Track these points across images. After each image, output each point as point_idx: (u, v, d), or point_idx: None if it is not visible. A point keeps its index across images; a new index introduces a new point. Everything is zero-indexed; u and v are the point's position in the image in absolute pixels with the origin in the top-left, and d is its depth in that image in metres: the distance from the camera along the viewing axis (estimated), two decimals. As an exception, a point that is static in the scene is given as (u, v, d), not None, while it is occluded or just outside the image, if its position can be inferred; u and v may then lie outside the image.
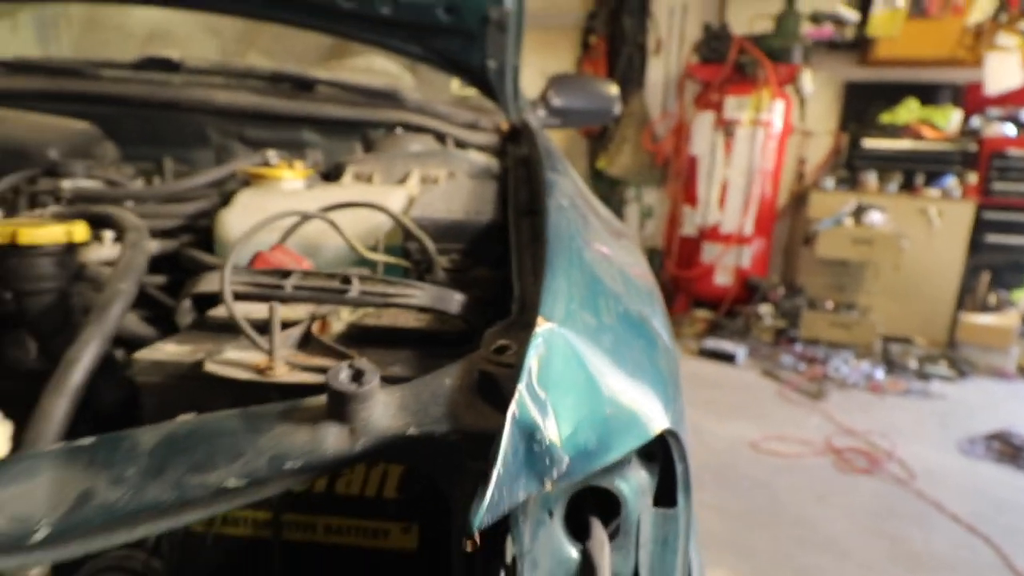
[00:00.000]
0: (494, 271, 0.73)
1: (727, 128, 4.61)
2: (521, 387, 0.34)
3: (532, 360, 0.36)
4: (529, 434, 0.34)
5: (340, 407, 0.35)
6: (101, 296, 0.58)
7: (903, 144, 4.41)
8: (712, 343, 4.14)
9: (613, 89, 2.05)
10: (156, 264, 0.79)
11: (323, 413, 0.36)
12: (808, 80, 4.45)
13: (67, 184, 0.88)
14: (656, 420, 0.45)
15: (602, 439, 0.39)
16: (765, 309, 4.47)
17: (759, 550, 2.10)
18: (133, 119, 1.32)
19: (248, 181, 0.94)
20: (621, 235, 0.99)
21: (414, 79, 2.03)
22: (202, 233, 0.88)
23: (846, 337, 4.14)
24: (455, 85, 1.98)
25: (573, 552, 0.48)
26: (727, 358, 3.97)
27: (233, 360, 0.50)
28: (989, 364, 3.89)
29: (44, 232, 0.61)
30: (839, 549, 2.13)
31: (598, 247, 0.66)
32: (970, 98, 4.48)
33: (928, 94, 4.56)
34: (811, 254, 4.38)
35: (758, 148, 4.53)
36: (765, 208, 4.69)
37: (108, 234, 0.76)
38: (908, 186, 4.41)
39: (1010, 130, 4.20)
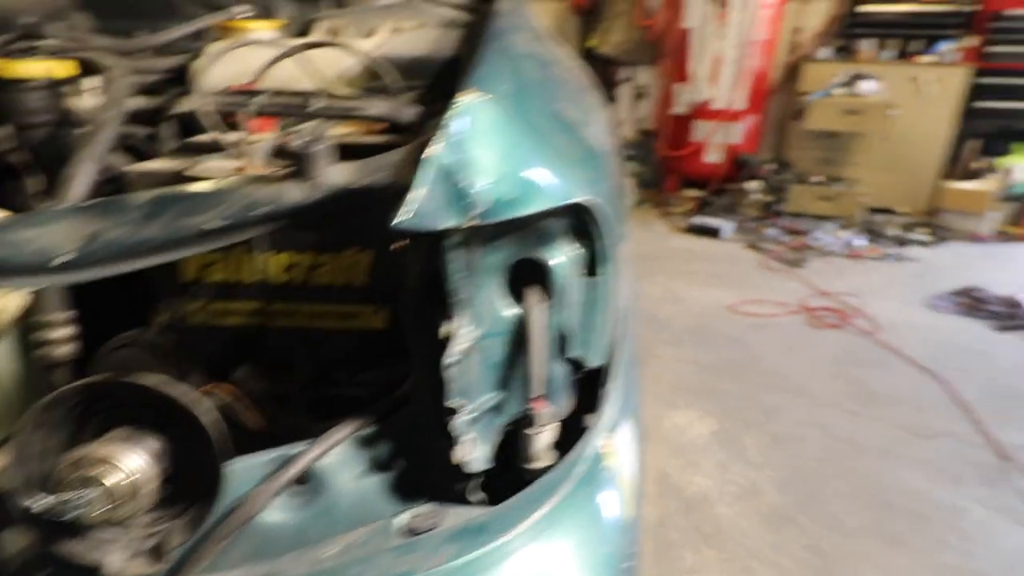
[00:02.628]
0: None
1: (720, -4, 4.42)
2: (440, 136, 0.43)
3: (453, 119, 0.44)
4: (450, 174, 0.43)
5: (299, 164, 0.44)
6: (91, 123, 0.65)
7: (903, 7, 4.25)
8: (699, 219, 4.22)
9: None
10: (142, 118, 0.85)
11: (288, 174, 0.45)
12: (806, -61, 4.21)
13: (47, 43, 0.92)
14: (573, 191, 0.54)
15: (520, 193, 0.49)
16: (753, 185, 4.51)
17: (729, 394, 2.30)
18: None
19: (221, 36, 0.98)
20: (587, 88, 1.04)
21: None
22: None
23: (832, 209, 4.22)
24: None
25: (511, 310, 0.59)
26: (713, 233, 4.07)
27: (212, 167, 0.59)
28: (966, 228, 4.00)
29: (27, 67, 0.68)
30: (801, 390, 2.33)
31: (547, 66, 0.73)
32: (976, -46, 4.26)
33: (931, -47, 4.33)
34: (801, 128, 4.36)
35: (753, 17, 4.37)
36: (758, 82, 4.59)
37: (89, 82, 0.82)
38: (904, 53, 4.30)
39: (1012, -12, 4.03)
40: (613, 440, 0.64)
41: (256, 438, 0.65)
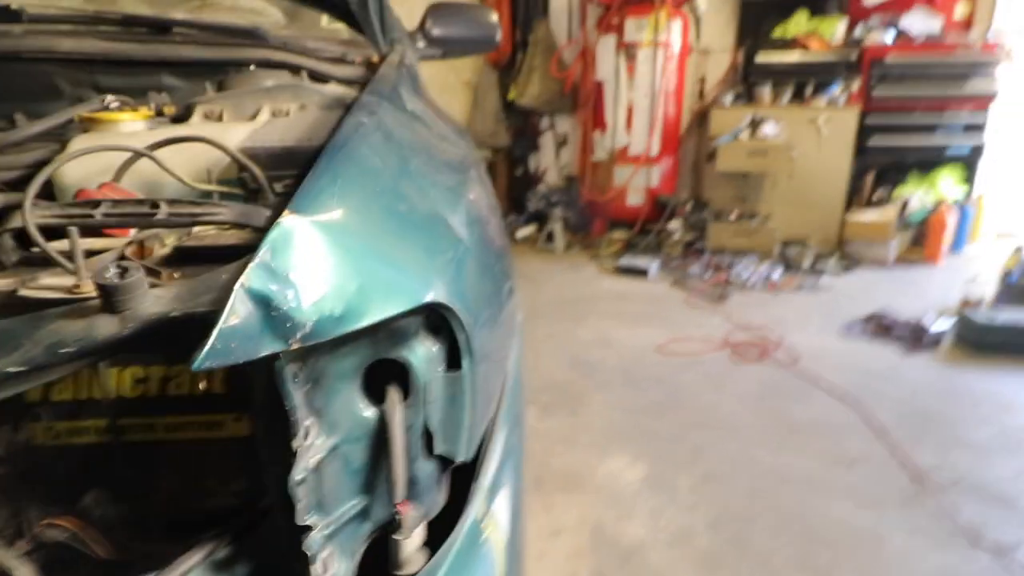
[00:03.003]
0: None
1: (628, 51, 4.67)
2: (252, 264, 0.42)
3: (268, 244, 0.44)
4: (263, 302, 0.42)
5: (108, 298, 0.42)
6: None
7: (793, 56, 4.58)
8: (627, 260, 4.34)
9: (493, 16, 2.06)
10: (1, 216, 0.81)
11: (97, 307, 0.43)
12: (702, -2, 4.53)
13: None
14: (421, 292, 0.54)
15: (352, 308, 0.48)
16: (674, 224, 4.69)
17: (659, 436, 2.33)
18: (-29, 74, 1.27)
19: (86, 128, 0.95)
20: (463, 166, 1.05)
21: (284, 16, 1.99)
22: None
23: (749, 244, 4.42)
24: (325, 20, 1.95)
25: (369, 412, 0.58)
26: (641, 273, 4.19)
27: (46, 284, 0.56)
28: (873, 256, 4.26)
29: None
30: (729, 426, 2.39)
31: (407, 155, 0.74)
32: (854, 6, 4.67)
33: (818, 5, 4.72)
34: (713, 169, 4.59)
35: (659, 69, 4.62)
36: (670, 128, 4.84)
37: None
38: (799, 97, 4.62)
39: (889, 37, 4.43)
40: (491, 519, 0.63)
41: (108, 569, 0.60)
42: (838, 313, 3.44)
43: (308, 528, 0.52)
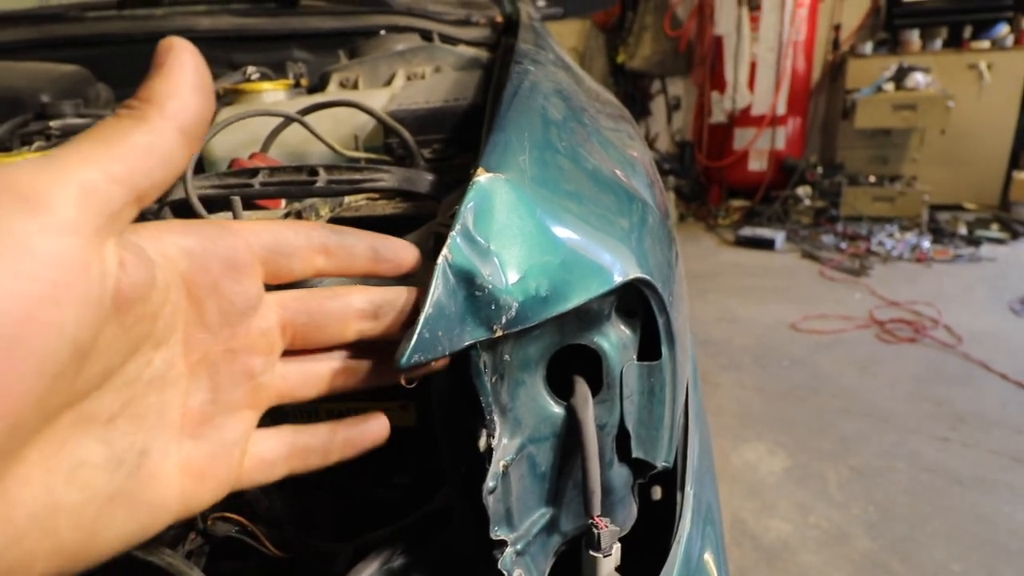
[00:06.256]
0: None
1: (752, 1, 4.28)
2: (454, 233, 0.34)
3: (468, 208, 0.36)
4: (467, 279, 0.34)
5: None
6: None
7: (948, -8, 4.02)
8: (749, 231, 4.04)
9: (615, -32, 1.92)
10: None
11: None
12: (838, -67, 4.05)
13: (56, 124, 0.89)
14: (621, 270, 0.45)
15: (557, 286, 0.39)
16: (803, 191, 4.31)
17: (800, 423, 2.13)
18: (121, 57, 1.31)
19: (230, 100, 0.93)
20: (620, 118, 0.95)
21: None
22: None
23: (890, 210, 3.98)
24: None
25: (556, 408, 0.49)
26: (765, 244, 3.89)
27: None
28: (1046, 221, 3.70)
29: (11, 160, 0.63)
30: (881, 415, 2.14)
31: (576, 107, 0.64)
32: (1026, -72, 4.01)
33: (977, -70, 4.10)
34: (850, 127, 4.14)
35: (787, 18, 4.21)
36: (798, 83, 4.41)
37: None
38: (955, 41, 4.05)
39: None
40: (708, 552, 0.54)
41: (275, 568, 0.56)
42: (1006, 287, 3.01)
43: (498, 544, 0.45)
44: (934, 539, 1.62)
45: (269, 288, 0.32)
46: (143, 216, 0.74)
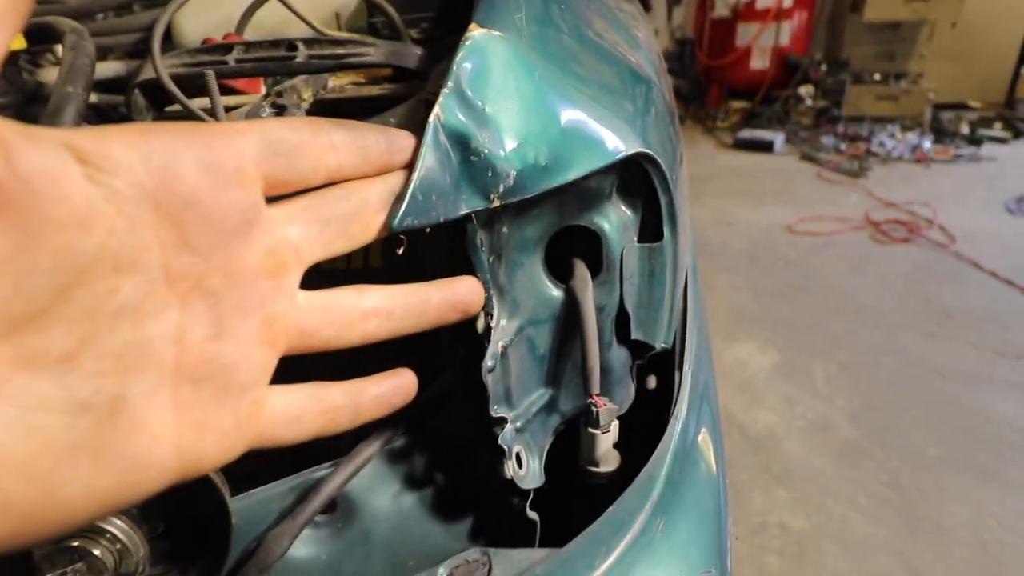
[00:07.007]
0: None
1: None
2: (446, 91, 0.32)
3: (461, 66, 0.33)
4: (462, 142, 0.32)
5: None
6: (49, 104, 0.55)
7: None
8: (747, 133, 3.94)
9: None
10: (117, 86, 0.75)
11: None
12: None
13: None
14: (624, 142, 0.42)
15: (557, 155, 0.37)
16: (805, 90, 4.17)
17: (792, 322, 2.17)
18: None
19: (200, -22, 0.86)
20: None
21: None
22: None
23: (893, 110, 3.87)
24: None
25: (555, 291, 0.49)
26: (764, 147, 3.81)
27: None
28: (1052, 119, 3.62)
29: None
30: (871, 313, 2.18)
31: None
32: None
33: None
34: (858, 20, 3.95)
35: None
36: (806, -27, 4.17)
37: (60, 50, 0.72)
38: (977, -81, 3.79)
39: None
40: (704, 430, 0.55)
41: (277, 459, 0.58)
42: (1004, 187, 2.99)
43: (497, 421, 0.45)
44: (913, 427, 1.69)
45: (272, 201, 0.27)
46: (107, 116, 0.70)
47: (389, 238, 0.30)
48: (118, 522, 0.36)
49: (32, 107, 0.67)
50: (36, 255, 0.19)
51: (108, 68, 0.72)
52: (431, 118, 0.31)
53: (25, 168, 0.18)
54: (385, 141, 0.31)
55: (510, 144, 0.34)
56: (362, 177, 0.30)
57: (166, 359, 0.23)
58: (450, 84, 0.32)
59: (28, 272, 0.19)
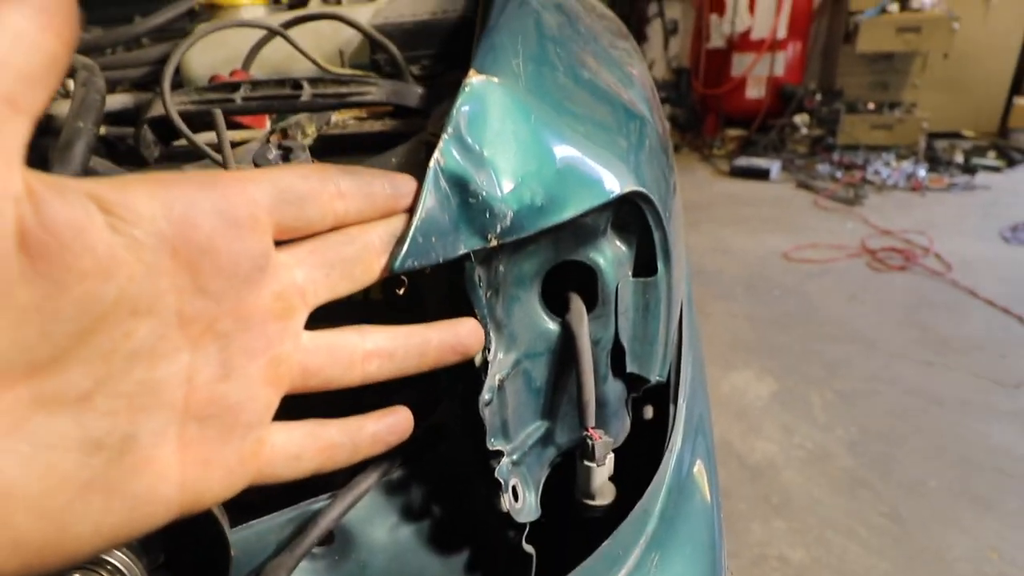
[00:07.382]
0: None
1: (755, -86, 4.07)
2: (446, 136, 0.33)
3: (460, 111, 0.34)
4: (461, 185, 0.33)
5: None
6: (60, 138, 0.57)
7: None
8: (744, 161, 3.99)
9: None
10: (127, 119, 0.77)
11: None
12: None
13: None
14: (619, 180, 0.44)
15: (553, 195, 0.39)
16: (800, 119, 4.23)
17: (788, 349, 2.17)
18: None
19: (207, 16, 0.88)
20: (620, 35, 0.91)
21: None
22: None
23: (888, 138, 3.92)
24: None
25: (551, 325, 0.49)
26: (760, 175, 3.85)
27: (194, 176, 0.50)
28: (1043, 149, 3.67)
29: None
30: (868, 341, 2.18)
31: (572, 16, 0.61)
32: None
33: None
34: (852, 51, 4.02)
35: (791, -67, 4.01)
36: (800, 6, 4.26)
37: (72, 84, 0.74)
38: (965, -44, 3.89)
39: None
40: (699, 462, 0.55)
41: (275, 493, 0.58)
42: (998, 215, 3.02)
43: (494, 454, 0.46)
44: (912, 456, 1.69)
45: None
46: (115, 148, 0.71)
47: (391, 278, 0.32)
48: (119, 553, 0.36)
49: (43, 140, 0.69)
50: (60, 302, 0.20)
51: (116, 100, 0.74)
52: (431, 162, 0.32)
53: (53, 220, 0.19)
54: (390, 186, 0.32)
55: (507, 186, 0.35)
56: (366, 221, 0.31)
57: (176, 399, 0.24)
58: (450, 129, 0.33)
59: (52, 319, 0.20)
